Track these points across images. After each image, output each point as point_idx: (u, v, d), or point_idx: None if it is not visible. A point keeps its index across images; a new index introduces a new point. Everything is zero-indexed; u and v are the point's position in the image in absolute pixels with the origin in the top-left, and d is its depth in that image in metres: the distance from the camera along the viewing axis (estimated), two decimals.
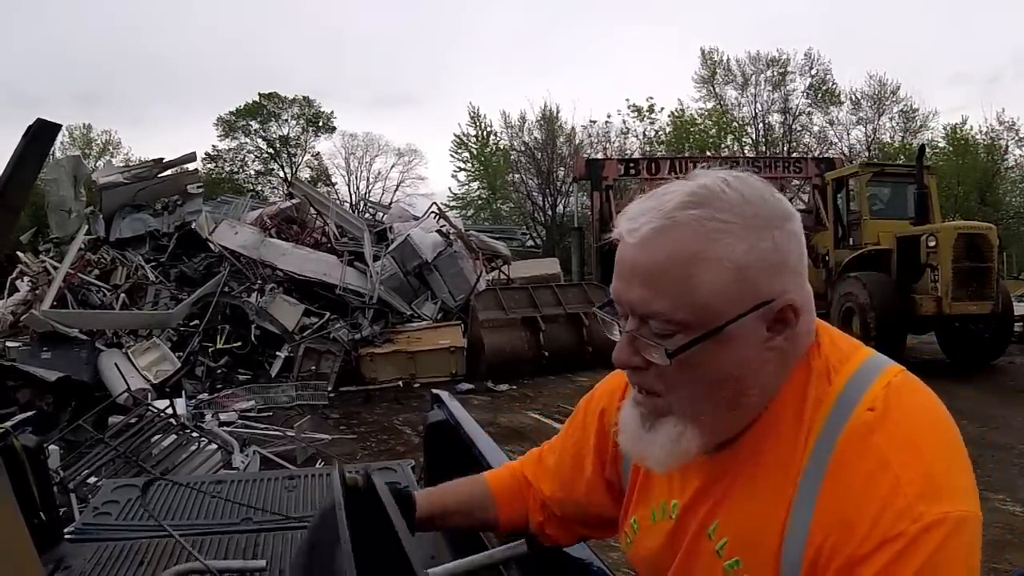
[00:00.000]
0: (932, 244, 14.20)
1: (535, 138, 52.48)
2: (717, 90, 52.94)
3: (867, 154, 47.40)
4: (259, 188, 54.72)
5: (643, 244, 1.25)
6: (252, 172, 58.26)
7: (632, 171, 25.53)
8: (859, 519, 1.15)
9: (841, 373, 1.29)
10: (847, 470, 1.19)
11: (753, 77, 51.56)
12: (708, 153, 51.24)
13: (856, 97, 50.72)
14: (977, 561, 1.17)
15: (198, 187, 20.80)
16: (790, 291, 1.27)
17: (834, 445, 1.22)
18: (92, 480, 6.90)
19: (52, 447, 7.27)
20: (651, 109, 52.73)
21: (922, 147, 18.78)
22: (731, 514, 1.33)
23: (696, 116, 53.61)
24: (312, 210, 20.81)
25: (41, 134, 1.90)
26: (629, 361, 1.32)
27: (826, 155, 48.35)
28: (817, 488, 1.21)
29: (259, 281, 16.70)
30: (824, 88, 50.93)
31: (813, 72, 50.84)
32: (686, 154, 47.13)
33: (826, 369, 1.30)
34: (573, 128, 52.35)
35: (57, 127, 1.95)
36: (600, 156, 49.11)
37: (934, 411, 1.28)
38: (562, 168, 50.25)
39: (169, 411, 8.44)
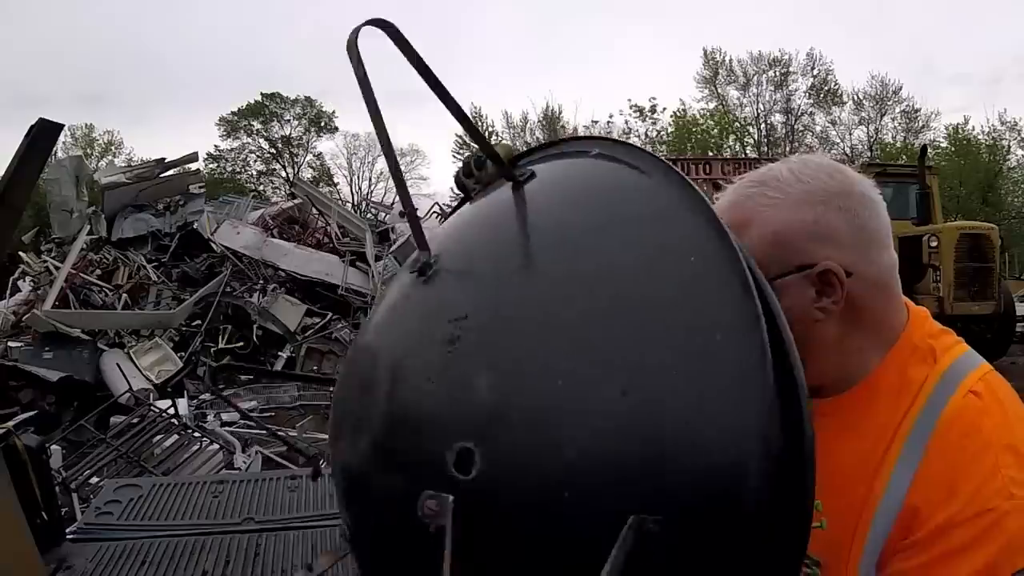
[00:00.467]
0: (934, 244, 14.17)
1: (537, 138, 52.45)
2: (719, 90, 53.11)
3: (869, 154, 47.45)
4: (261, 188, 54.85)
5: (718, 211, 1.27)
6: (254, 172, 58.47)
7: None
8: (962, 487, 1.27)
9: (946, 356, 1.45)
10: (953, 443, 1.32)
11: (755, 77, 51.72)
12: (710, 154, 51.31)
13: (858, 97, 50.92)
14: None
15: (200, 187, 20.80)
16: (835, 259, 1.41)
17: (938, 418, 1.35)
18: (94, 480, 6.90)
19: (54, 447, 7.29)
20: (653, 109, 52.92)
21: (924, 147, 18.74)
22: (826, 459, 1.24)
23: (698, 116, 53.69)
24: (314, 210, 20.81)
25: (43, 134, 1.90)
26: None
27: (829, 155, 48.56)
28: (921, 453, 1.34)
29: (261, 281, 16.69)
30: (826, 88, 51.03)
31: (815, 72, 51.03)
32: (688, 155, 47.26)
33: (930, 350, 1.46)
34: (575, 128, 52.26)
35: (59, 127, 1.95)
36: None
37: (1015, 400, 1.42)
38: None
39: (171, 411, 8.46)
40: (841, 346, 1.46)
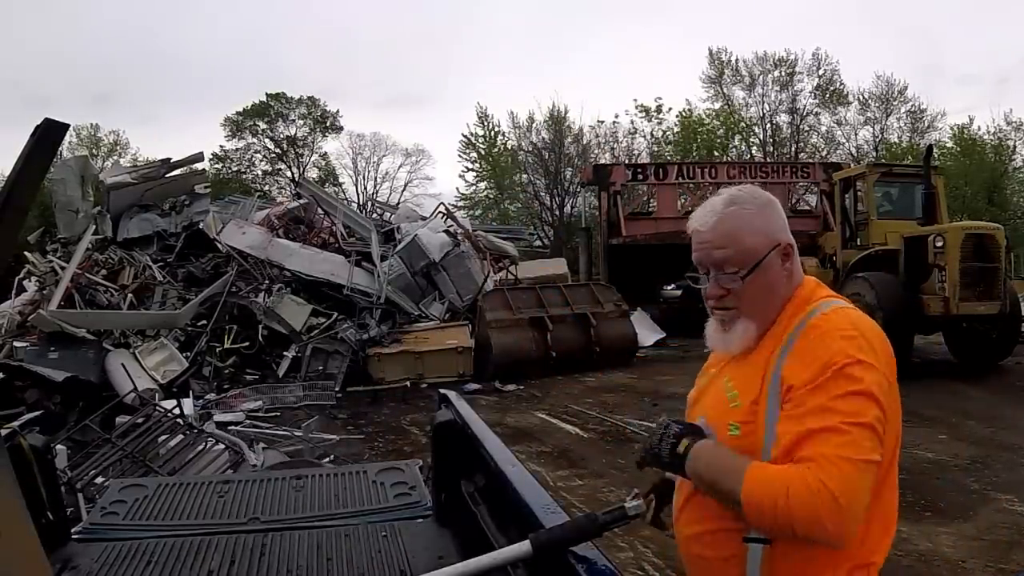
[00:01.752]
0: (939, 244, 14.13)
1: (543, 138, 52.71)
2: (725, 90, 53.01)
3: (874, 154, 47.41)
4: (266, 188, 54.78)
5: (711, 229, 2.19)
6: (259, 172, 58.36)
7: (640, 176, 25.51)
8: (815, 360, 1.99)
9: (814, 300, 2.20)
10: (808, 337, 2.06)
11: (761, 77, 51.64)
12: (715, 153, 51.29)
13: (864, 97, 50.80)
14: (883, 397, 1.95)
15: (205, 187, 20.85)
16: (785, 238, 2.23)
17: (802, 327, 2.10)
18: (99, 480, 6.91)
19: (59, 447, 7.29)
20: (659, 109, 52.91)
21: (929, 147, 18.72)
22: (738, 370, 2.23)
23: (704, 116, 53.67)
24: (319, 210, 20.82)
25: (48, 134, 1.89)
26: (718, 292, 2.21)
27: (834, 155, 48.62)
28: (791, 348, 2.08)
29: (266, 281, 16.72)
30: (832, 88, 50.95)
31: (821, 72, 50.93)
32: (691, 158, 47.24)
33: (808, 296, 2.22)
34: (581, 128, 52.52)
35: (65, 127, 1.94)
36: (608, 155, 49.29)
37: (865, 321, 2.11)
38: (570, 168, 50.35)
39: (176, 411, 8.46)
40: (786, 298, 2.23)
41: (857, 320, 2.10)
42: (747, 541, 2.02)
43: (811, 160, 38.92)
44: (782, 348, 2.10)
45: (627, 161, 43.95)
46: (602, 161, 47.00)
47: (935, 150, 27.56)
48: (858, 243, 16.74)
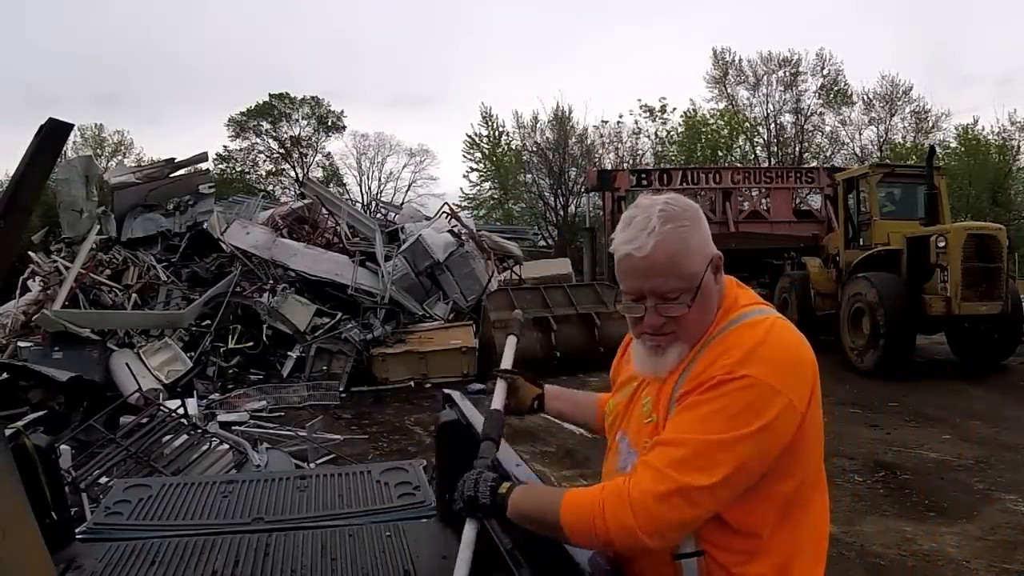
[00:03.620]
0: (941, 245, 14.16)
1: (547, 138, 52.64)
2: (729, 90, 53.00)
3: (879, 154, 47.38)
4: (270, 188, 54.80)
5: (651, 255, 1.99)
6: (263, 172, 58.41)
7: (644, 182, 25.53)
8: (703, 375, 1.93)
9: (733, 312, 2.07)
10: (709, 353, 1.99)
11: (765, 77, 51.58)
12: (720, 153, 51.28)
13: (868, 97, 50.73)
14: (755, 417, 1.84)
15: (210, 187, 20.83)
16: (714, 250, 2.09)
17: (710, 344, 2.02)
18: (103, 480, 6.91)
19: (63, 447, 7.28)
20: (663, 109, 52.75)
21: (932, 148, 18.67)
22: (655, 384, 2.13)
23: (708, 116, 53.60)
24: (324, 210, 20.81)
25: (53, 134, 1.90)
26: (660, 322, 2.05)
27: (838, 155, 48.62)
28: (694, 364, 2.00)
29: (271, 281, 16.73)
30: (836, 88, 50.90)
31: (825, 72, 50.88)
32: (696, 158, 47.22)
33: (729, 307, 2.09)
34: (585, 128, 52.50)
35: (69, 127, 1.95)
36: (612, 156, 49.30)
37: (778, 334, 1.98)
38: (574, 168, 50.32)
39: (180, 411, 8.47)
40: (715, 307, 2.10)
41: (766, 334, 1.97)
42: (677, 559, 1.98)
43: (816, 165, 38.90)
44: (687, 363, 2.03)
45: (631, 161, 43.95)
46: (606, 161, 47.11)
47: (938, 151, 27.47)
48: (861, 243, 16.75)
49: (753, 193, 25.66)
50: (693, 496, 1.83)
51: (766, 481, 1.91)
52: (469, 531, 2.17)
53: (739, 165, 45.88)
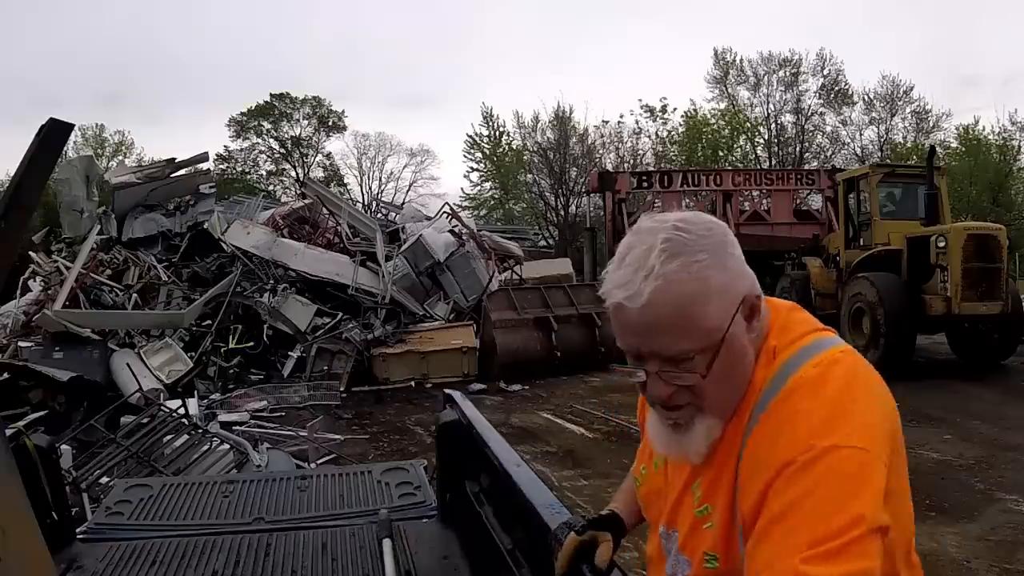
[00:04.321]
0: (942, 245, 14.18)
1: (548, 138, 52.61)
2: (730, 90, 52.95)
3: (879, 154, 47.33)
4: (271, 188, 54.80)
5: (650, 305, 1.44)
6: (264, 172, 58.46)
7: (645, 184, 25.49)
8: (770, 457, 1.41)
9: (784, 352, 1.55)
10: (769, 422, 1.47)
11: (766, 77, 51.52)
12: (720, 153, 51.26)
13: (869, 97, 50.68)
14: (861, 487, 1.35)
15: (211, 187, 20.86)
16: (750, 285, 1.55)
17: (767, 407, 1.49)
18: (104, 480, 6.91)
19: (64, 447, 7.29)
20: (664, 109, 52.72)
21: (932, 148, 18.69)
22: (706, 467, 1.59)
23: (709, 116, 53.56)
24: (324, 210, 20.81)
25: (53, 134, 1.90)
26: (666, 393, 1.53)
27: (839, 155, 48.61)
28: (747, 441, 1.50)
29: (271, 281, 16.72)
30: (837, 88, 50.84)
31: (826, 72, 50.81)
32: (696, 158, 47.19)
33: (773, 351, 1.56)
34: (586, 128, 52.45)
35: (69, 127, 1.95)
36: (613, 155, 49.32)
37: (853, 375, 1.51)
38: (575, 168, 50.31)
39: (181, 411, 8.47)
40: (752, 359, 1.58)
41: (837, 379, 1.48)
42: None
43: (816, 166, 38.86)
44: (745, 427, 1.52)
45: (632, 162, 43.92)
46: (607, 161, 47.10)
47: (939, 151, 27.49)
48: (861, 243, 16.75)
49: (754, 195, 25.64)
50: None
51: None
52: None
53: (740, 166, 45.89)
